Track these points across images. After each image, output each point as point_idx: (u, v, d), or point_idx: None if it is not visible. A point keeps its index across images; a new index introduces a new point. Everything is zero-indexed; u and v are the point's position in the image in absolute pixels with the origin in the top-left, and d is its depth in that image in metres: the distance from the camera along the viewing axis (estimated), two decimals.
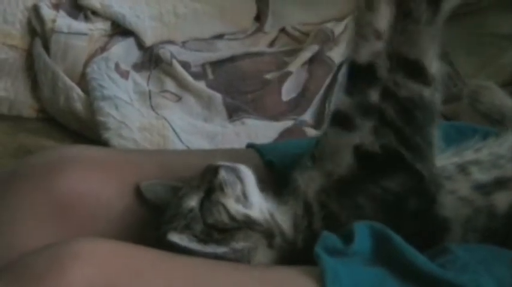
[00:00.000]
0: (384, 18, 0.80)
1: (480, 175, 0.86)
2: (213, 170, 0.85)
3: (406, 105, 0.79)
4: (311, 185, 0.85)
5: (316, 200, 0.83)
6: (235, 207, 0.82)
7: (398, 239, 0.75)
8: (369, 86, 0.82)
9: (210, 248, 0.79)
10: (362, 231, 0.76)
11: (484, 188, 0.85)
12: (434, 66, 0.79)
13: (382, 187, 0.80)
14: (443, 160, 0.87)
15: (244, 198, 0.83)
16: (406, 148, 0.79)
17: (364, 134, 0.81)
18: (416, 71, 0.79)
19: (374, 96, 0.82)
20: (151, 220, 0.88)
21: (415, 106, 0.79)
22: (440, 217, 0.82)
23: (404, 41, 0.79)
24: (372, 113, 0.82)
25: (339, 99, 0.86)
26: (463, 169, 0.86)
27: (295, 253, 0.82)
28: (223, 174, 0.84)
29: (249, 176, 0.85)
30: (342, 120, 0.84)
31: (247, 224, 0.81)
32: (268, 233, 0.82)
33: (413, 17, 0.78)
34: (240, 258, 0.79)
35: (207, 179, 0.85)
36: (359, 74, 0.82)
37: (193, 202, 0.83)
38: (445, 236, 0.81)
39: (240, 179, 0.85)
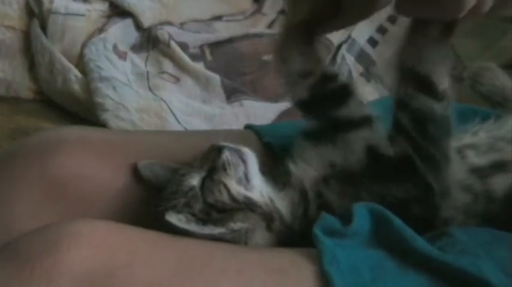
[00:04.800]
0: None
1: (476, 159, 0.85)
2: (217, 150, 0.85)
3: (418, 116, 0.78)
4: (307, 173, 0.84)
5: (312, 189, 0.83)
6: (236, 188, 0.82)
7: (397, 221, 0.75)
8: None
9: (208, 230, 0.78)
10: (361, 212, 0.76)
11: (481, 171, 0.84)
12: (444, 83, 0.78)
13: (388, 189, 0.79)
14: None
15: (246, 180, 0.83)
16: (420, 158, 0.78)
17: (379, 137, 0.81)
18: (426, 86, 0.77)
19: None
20: (149, 199, 0.88)
21: (427, 118, 0.77)
22: (442, 216, 0.81)
23: (414, 54, 0.77)
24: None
25: None
26: (459, 151, 0.86)
27: (293, 237, 0.82)
28: (226, 154, 0.84)
29: (252, 158, 0.85)
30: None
31: (248, 205, 0.81)
32: (267, 216, 0.81)
33: (426, 33, 0.76)
34: (238, 239, 0.79)
35: (210, 158, 0.85)
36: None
37: (194, 180, 0.83)
38: (445, 225, 0.81)
39: (243, 161, 0.84)
